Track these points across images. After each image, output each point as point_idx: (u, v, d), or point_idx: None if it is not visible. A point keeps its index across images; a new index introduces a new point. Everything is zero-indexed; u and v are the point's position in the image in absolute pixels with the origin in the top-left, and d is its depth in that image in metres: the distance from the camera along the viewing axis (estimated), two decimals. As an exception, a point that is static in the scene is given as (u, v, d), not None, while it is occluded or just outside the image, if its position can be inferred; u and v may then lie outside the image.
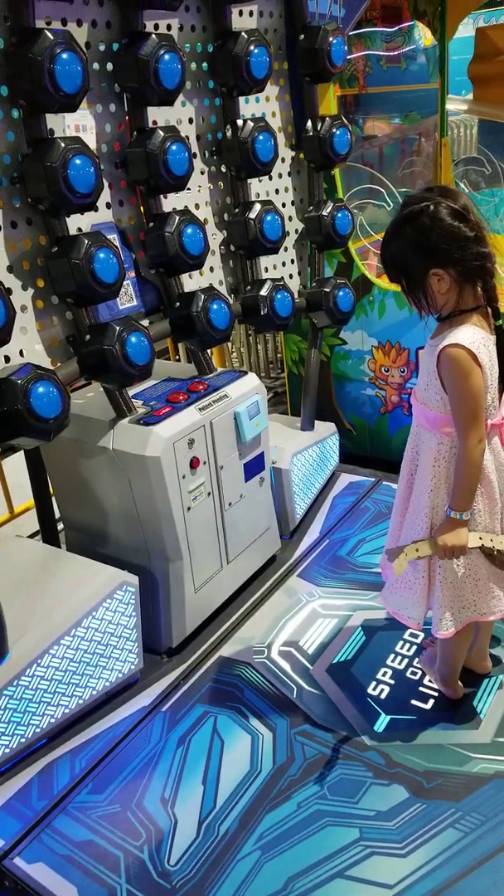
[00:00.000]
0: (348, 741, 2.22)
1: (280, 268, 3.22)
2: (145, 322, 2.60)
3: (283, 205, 3.17)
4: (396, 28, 4.57)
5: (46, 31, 1.99)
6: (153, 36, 2.30)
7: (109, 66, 2.36)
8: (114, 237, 2.45)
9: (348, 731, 2.25)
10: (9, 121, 2.09)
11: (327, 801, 2.04)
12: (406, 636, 2.59)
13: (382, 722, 2.28)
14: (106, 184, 2.40)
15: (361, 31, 4.36)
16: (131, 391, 2.56)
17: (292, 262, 3.29)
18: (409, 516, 2.10)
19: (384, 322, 3.63)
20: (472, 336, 1.82)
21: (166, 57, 2.30)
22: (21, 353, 2.20)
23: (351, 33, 3.37)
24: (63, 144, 2.07)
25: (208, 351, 2.83)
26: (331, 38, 2.91)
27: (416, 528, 2.05)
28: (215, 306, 2.62)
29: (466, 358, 1.80)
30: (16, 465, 3.47)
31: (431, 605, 2.12)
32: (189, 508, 2.53)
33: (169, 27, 2.52)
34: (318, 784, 2.09)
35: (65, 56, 2.00)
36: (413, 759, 2.14)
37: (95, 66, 2.31)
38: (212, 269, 2.90)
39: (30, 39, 1.98)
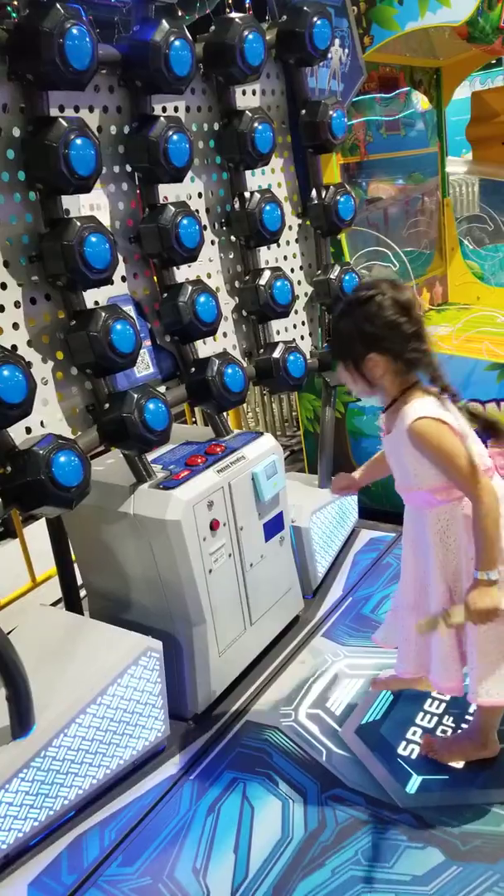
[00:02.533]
0: (380, 804, 2.17)
1: (291, 330, 3.30)
2: (162, 388, 2.66)
3: (292, 270, 3.27)
4: (394, 95, 4.77)
5: (61, 119, 2.12)
6: (162, 118, 2.43)
7: (121, 148, 2.49)
8: (129, 308, 2.54)
9: (380, 794, 2.20)
10: (26, 203, 2.20)
11: (362, 866, 1.98)
12: (435, 694, 2.55)
13: (414, 783, 2.22)
14: (120, 258, 2.50)
15: (360, 98, 4.54)
16: (150, 456, 2.60)
17: (303, 323, 3.37)
18: (432, 593, 2.05)
19: (396, 377, 3.68)
20: (426, 404, 1.86)
21: (175, 137, 2.43)
22: (42, 423, 2.26)
23: (353, 99, 3.53)
24: (79, 224, 2.17)
25: (224, 413, 2.89)
26: (331, 112, 3.05)
27: (438, 600, 2.01)
28: (230, 370, 2.69)
29: (432, 423, 1.83)
30: (36, 534, 3.51)
31: (469, 669, 2.05)
32: (210, 571, 2.54)
33: (176, 109, 2.67)
34: (352, 849, 2.04)
35: (79, 142, 2.11)
36: (447, 820, 2.08)
37: (108, 148, 2.44)
38: (225, 335, 2.98)
39: (45, 127, 2.11)
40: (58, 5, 1.98)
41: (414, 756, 2.31)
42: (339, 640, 2.94)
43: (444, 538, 1.98)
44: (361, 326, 1.85)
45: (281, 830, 2.13)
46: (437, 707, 2.50)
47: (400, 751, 2.34)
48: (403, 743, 2.37)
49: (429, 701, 2.52)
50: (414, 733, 2.40)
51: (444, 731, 2.39)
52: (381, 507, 3.93)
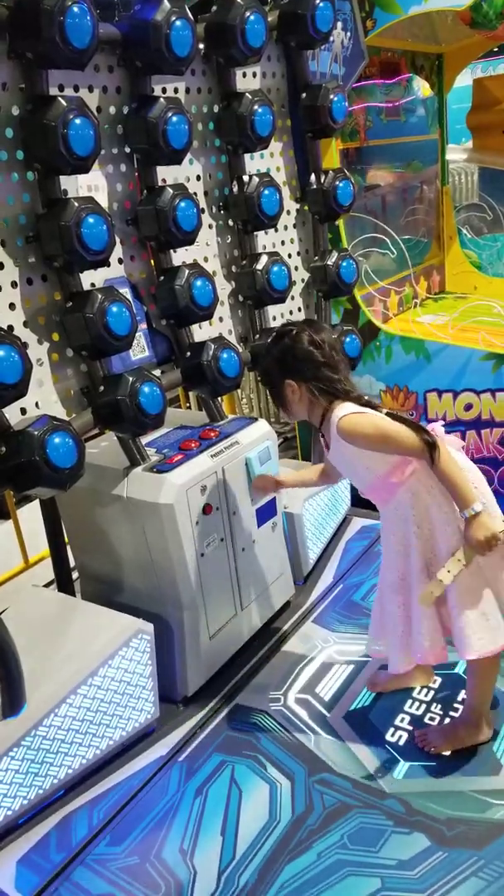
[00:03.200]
0: (367, 789, 2.19)
1: (287, 316, 3.29)
2: (157, 372, 2.66)
3: (290, 255, 3.26)
4: (395, 81, 4.73)
5: (60, 98, 2.09)
6: (161, 99, 2.41)
7: (120, 129, 2.47)
8: (126, 291, 2.53)
9: (367, 779, 2.22)
10: (24, 183, 2.18)
11: (348, 850, 2.01)
12: (423, 680, 2.57)
13: (402, 769, 2.25)
14: (118, 240, 2.48)
15: (361, 83, 4.51)
16: (144, 439, 2.60)
17: (299, 310, 3.36)
18: (443, 558, 2.10)
19: (392, 366, 3.69)
20: (345, 406, 2.08)
21: (174, 119, 2.41)
22: (37, 404, 2.26)
23: (353, 86, 3.50)
24: (77, 204, 2.15)
25: (218, 398, 2.88)
26: (332, 96, 3.03)
27: (417, 577, 2.11)
28: (225, 355, 2.68)
29: (355, 416, 2.04)
30: (30, 515, 3.51)
31: (453, 630, 2.11)
32: (203, 555, 2.55)
33: (176, 90, 2.64)
34: (338, 833, 2.06)
35: (78, 121, 2.09)
36: (433, 806, 2.10)
37: (107, 128, 2.42)
38: (221, 320, 2.97)
39: (44, 106, 2.08)
40: (59, -18, 1.95)
41: (402, 742, 2.34)
42: (329, 626, 2.96)
43: (415, 517, 2.09)
44: (279, 357, 2.16)
45: (268, 814, 2.15)
46: (426, 694, 2.52)
47: (388, 737, 2.36)
48: (392, 729, 2.39)
49: (417, 688, 2.55)
50: (402, 720, 2.42)
51: (431, 718, 2.42)
52: (374, 494, 3.94)
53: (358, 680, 2.63)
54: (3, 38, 2.03)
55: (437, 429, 2.11)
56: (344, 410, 2.06)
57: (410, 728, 2.39)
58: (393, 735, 2.37)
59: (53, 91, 2.17)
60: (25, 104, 2.12)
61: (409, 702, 2.49)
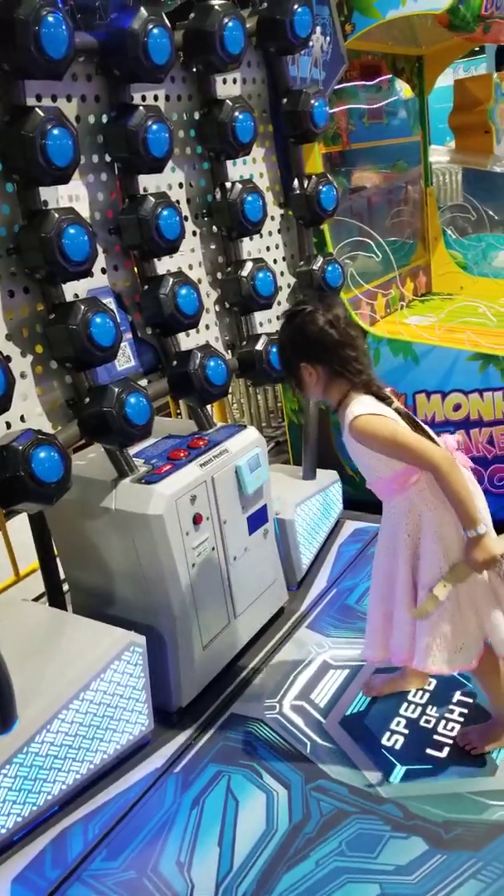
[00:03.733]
0: (364, 794, 2.18)
1: (274, 322, 3.28)
2: (144, 382, 2.64)
3: (275, 261, 3.25)
4: (376, 82, 4.74)
5: (37, 109, 2.08)
6: (141, 107, 2.40)
7: (100, 138, 2.45)
8: (110, 301, 2.51)
9: (364, 785, 2.21)
10: (3, 195, 2.16)
11: (346, 857, 2.00)
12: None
13: (398, 773, 2.24)
14: (100, 250, 2.47)
15: (342, 86, 4.51)
16: (132, 450, 2.59)
17: (286, 314, 3.35)
18: (425, 571, 2.09)
19: (380, 369, 3.68)
20: (362, 402, 2.00)
21: (154, 127, 2.40)
22: (22, 418, 2.24)
23: (334, 88, 3.50)
24: (57, 215, 2.14)
25: (208, 405, 2.87)
26: (312, 101, 3.03)
27: (433, 576, 2.06)
28: (212, 363, 2.67)
29: (370, 418, 1.96)
30: (20, 527, 3.49)
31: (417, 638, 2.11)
32: (194, 565, 2.53)
33: (156, 98, 2.63)
34: (336, 840, 2.05)
35: (56, 132, 2.08)
36: (431, 809, 2.09)
37: (86, 138, 2.41)
38: (207, 327, 2.96)
39: (22, 117, 2.07)
40: (33, -7, 1.94)
41: (398, 746, 2.33)
42: (323, 631, 2.94)
43: (407, 525, 2.08)
44: (293, 339, 2.06)
45: (265, 823, 2.14)
46: (421, 697, 2.51)
47: (384, 741, 2.35)
48: (388, 734, 2.38)
49: (412, 691, 2.54)
50: (398, 724, 2.41)
51: (427, 721, 2.41)
52: (366, 497, 3.92)
53: (353, 685, 2.62)
54: (-22, 49, 2.02)
55: (448, 442, 2.08)
56: (360, 408, 1.98)
57: (406, 732, 2.38)
58: (389, 739, 2.36)
59: (31, 101, 2.17)
60: (3, 115, 2.11)
61: (405, 705, 2.49)
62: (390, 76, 4.78)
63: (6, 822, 2.08)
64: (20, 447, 2.01)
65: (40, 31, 1.95)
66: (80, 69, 2.34)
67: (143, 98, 2.56)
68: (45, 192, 2.22)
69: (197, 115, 2.80)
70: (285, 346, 2.12)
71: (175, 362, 2.70)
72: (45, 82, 2.18)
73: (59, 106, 2.23)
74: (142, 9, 2.28)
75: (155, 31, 2.29)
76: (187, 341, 2.82)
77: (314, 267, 3.24)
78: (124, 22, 2.27)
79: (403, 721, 2.42)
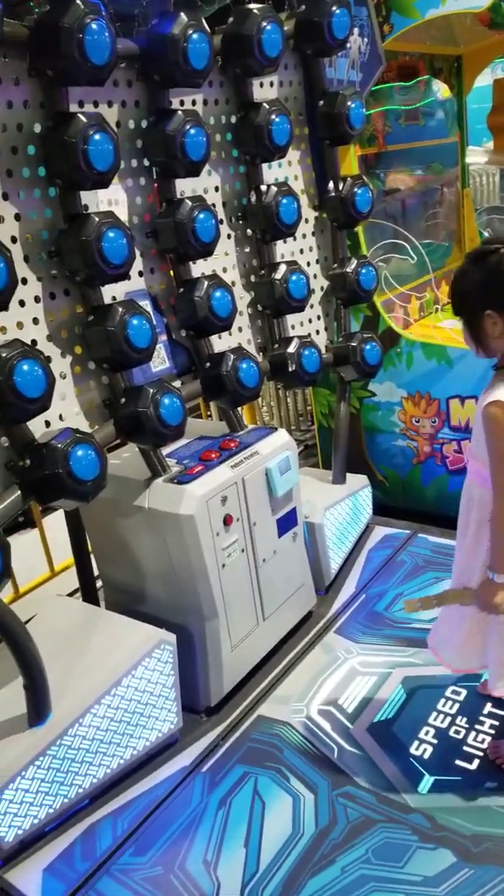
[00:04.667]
0: (392, 803, 2.18)
1: (307, 324, 3.29)
2: (177, 383, 2.67)
3: (308, 263, 3.26)
4: (413, 83, 4.71)
5: (80, 115, 2.11)
6: (179, 112, 2.42)
7: (139, 143, 2.48)
8: (146, 303, 2.54)
9: (391, 793, 2.21)
10: (46, 199, 2.20)
11: (372, 865, 2.00)
12: (448, 693, 2.55)
13: (426, 783, 2.23)
14: (138, 253, 2.49)
15: (379, 86, 4.49)
16: (165, 450, 2.61)
17: (318, 318, 3.36)
18: (462, 563, 2.09)
19: (413, 373, 3.66)
20: None
21: (192, 131, 2.42)
22: (60, 417, 2.28)
23: (371, 88, 3.49)
24: (97, 219, 2.17)
25: (238, 407, 2.88)
26: (349, 103, 3.02)
27: (467, 575, 2.06)
28: (244, 365, 2.68)
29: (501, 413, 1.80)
30: (55, 523, 3.54)
31: (488, 662, 2.10)
32: (224, 565, 2.55)
33: (194, 102, 2.65)
34: (362, 848, 2.05)
35: (97, 137, 2.11)
36: (459, 821, 2.08)
37: (126, 143, 2.43)
38: (240, 329, 2.97)
39: (64, 123, 2.11)
40: (78, 1, 1.97)
41: (427, 756, 2.32)
42: (351, 636, 2.94)
43: (482, 517, 1.99)
44: (481, 282, 1.80)
45: (291, 826, 2.15)
46: (451, 707, 2.50)
47: (412, 750, 2.35)
48: (416, 742, 2.37)
49: (442, 700, 2.53)
50: (426, 733, 2.40)
51: (456, 732, 2.39)
52: (396, 503, 3.93)
53: (381, 691, 2.61)
54: (24, 56, 2.06)
55: None
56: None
57: (435, 742, 2.37)
58: (417, 749, 2.35)
59: (73, 107, 2.19)
60: (46, 121, 2.14)
61: (434, 714, 2.47)
62: (427, 76, 4.74)
63: (38, 813, 2.12)
64: (59, 445, 2.04)
65: (84, 38, 1.97)
66: (121, 75, 2.37)
67: (182, 102, 2.58)
68: (86, 196, 2.25)
69: (234, 119, 2.82)
70: (472, 290, 1.83)
71: (208, 364, 2.72)
72: (88, 88, 2.21)
73: (100, 112, 2.26)
74: (182, 14, 2.30)
75: (195, 36, 2.31)
76: (220, 343, 2.84)
77: (348, 269, 3.23)
78: (165, 27, 2.29)
79: (432, 731, 2.41)
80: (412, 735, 2.40)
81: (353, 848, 2.05)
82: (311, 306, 3.28)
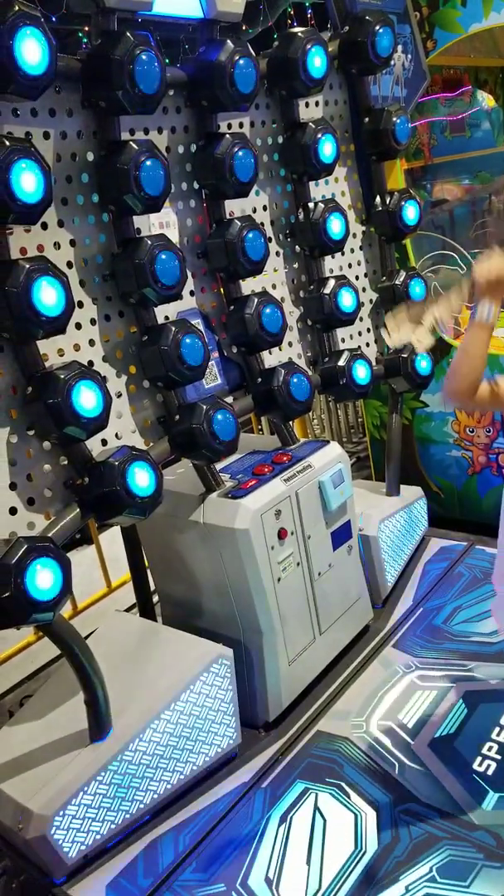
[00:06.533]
0: (456, 820, 2.13)
1: (357, 337, 3.29)
2: (229, 399, 2.70)
3: (357, 277, 3.27)
4: (457, 94, 4.71)
5: (131, 143, 2.18)
6: (227, 135, 2.48)
7: (188, 167, 2.54)
8: (198, 322, 2.59)
9: (455, 810, 2.17)
10: (100, 224, 2.27)
11: (437, 884, 1.96)
12: (510, 707, 2.50)
13: (491, 799, 2.18)
14: (189, 273, 2.55)
15: (423, 99, 4.49)
16: (219, 465, 2.64)
17: (368, 330, 3.36)
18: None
19: (465, 383, 3.62)
20: None
21: (240, 153, 2.47)
22: (117, 435, 2.33)
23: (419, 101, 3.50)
24: (150, 242, 2.23)
25: (290, 421, 2.90)
26: (394, 119, 3.04)
27: None
28: (295, 380, 2.70)
29: None
30: (112, 539, 3.60)
31: None
32: (279, 579, 2.56)
33: (241, 125, 2.71)
34: (426, 866, 2.01)
35: (148, 163, 2.17)
36: (526, 839, 2.03)
37: (175, 167, 2.50)
38: (290, 345, 3.00)
39: (117, 151, 2.18)
40: (128, 34, 2.04)
41: (490, 772, 2.27)
42: (410, 651, 2.91)
43: None
44: None
45: (353, 843, 2.13)
46: (513, 721, 2.44)
47: (475, 766, 2.30)
48: (479, 758, 2.33)
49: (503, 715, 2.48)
50: (489, 749, 2.35)
51: (520, 746, 2.34)
52: (452, 515, 3.87)
53: (442, 706, 2.57)
54: (77, 88, 2.14)
55: None
56: None
57: (499, 757, 2.31)
58: (480, 765, 2.30)
59: (125, 135, 2.27)
60: (100, 149, 2.22)
61: (496, 729, 2.42)
62: (471, 87, 4.74)
63: (101, 829, 2.15)
64: (116, 462, 2.09)
65: (135, 69, 2.04)
66: (170, 102, 2.44)
67: (230, 125, 2.64)
68: (138, 220, 2.32)
69: (280, 139, 2.86)
70: None
71: (259, 379, 2.75)
72: (139, 116, 2.28)
73: (150, 139, 2.33)
74: (228, 42, 2.36)
75: (241, 62, 2.37)
76: (271, 359, 2.87)
77: (397, 282, 3.23)
78: (212, 55, 2.35)
79: (496, 746, 2.36)
80: (475, 751, 2.35)
81: (417, 866, 2.02)
82: (361, 319, 3.28)
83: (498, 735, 2.40)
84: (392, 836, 2.12)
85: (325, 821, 2.21)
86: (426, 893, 1.94)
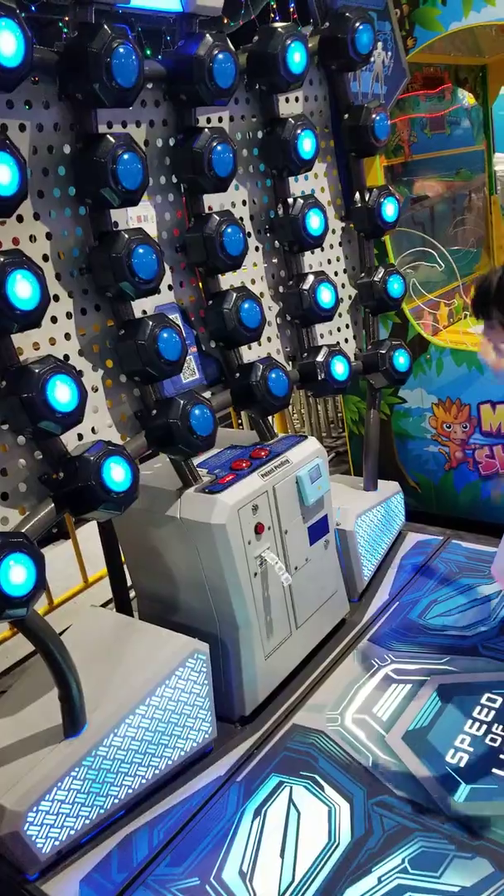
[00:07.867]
0: (428, 812, 2.16)
1: (335, 333, 3.30)
2: (207, 394, 2.70)
3: (336, 273, 3.27)
4: (438, 92, 4.72)
5: (108, 136, 2.16)
6: (206, 130, 2.47)
7: (167, 161, 2.53)
8: (176, 316, 2.58)
9: (427, 802, 2.19)
10: (76, 217, 2.26)
11: (409, 875, 1.98)
12: (484, 701, 2.53)
13: (463, 792, 2.21)
14: (167, 267, 2.54)
15: (404, 96, 4.50)
16: (196, 460, 2.64)
17: (347, 326, 3.37)
18: None
19: (443, 379, 3.65)
20: None
21: (219, 148, 2.46)
22: (93, 430, 2.32)
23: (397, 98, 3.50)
24: (127, 236, 2.22)
25: (269, 416, 2.91)
26: (374, 115, 3.04)
27: None
28: (273, 375, 2.71)
29: None
30: (88, 535, 3.59)
31: None
32: (256, 574, 2.57)
33: (220, 119, 2.70)
34: (399, 857, 2.03)
35: (126, 157, 2.16)
36: (497, 830, 2.06)
37: (154, 161, 2.49)
38: (269, 340, 3.00)
39: (94, 144, 2.16)
40: (105, 26, 2.03)
41: (463, 764, 2.30)
42: (385, 644, 2.93)
43: None
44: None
45: (327, 836, 2.14)
46: (487, 714, 2.47)
47: (448, 758, 2.33)
48: (452, 750, 2.35)
49: (478, 708, 2.50)
50: (462, 741, 2.38)
51: (493, 740, 2.37)
52: (429, 509, 3.90)
53: (416, 699, 2.60)
54: (54, 80, 2.12)
55: None
56: None
57: (471, 749, 2.34)
58: (453, 757, 2.33)
59: (102, 128, 2.25)
60: (76, 142, 2.20)
61: (469, 722, 2.45)
62: (452, 85, 4.75)
63: (75, 824, 2.15)
64: (92, 457, 2.08)
65: (112, 62, 2.03)
66: (149, 95, 2.42)
67: (209, 120, 2.63)
68: (115, 214, 2.31)
69: (260, 134, 2.86)
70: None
71: (238, 374, 2.75)
72: (116, 109, 2.26)
73: (128, 132, 2.31)
74: (207, 35, 2.34)
75: (220, 56, 2.35)
76: (249, 354, 2.87)
77: (375, 278, 3.24)
78: (191, 49, 2.34)
79: (468, 738, 2.39)
80: (448, 743, 2.38)
81: (390, 857, 2.04)
82: (340, 315, 3.29)
83: (471, 728, 2.43)
84: (365, 829, 2.14)
85: (299, 814, 2.23)
86: (398, 885, 1.96)
